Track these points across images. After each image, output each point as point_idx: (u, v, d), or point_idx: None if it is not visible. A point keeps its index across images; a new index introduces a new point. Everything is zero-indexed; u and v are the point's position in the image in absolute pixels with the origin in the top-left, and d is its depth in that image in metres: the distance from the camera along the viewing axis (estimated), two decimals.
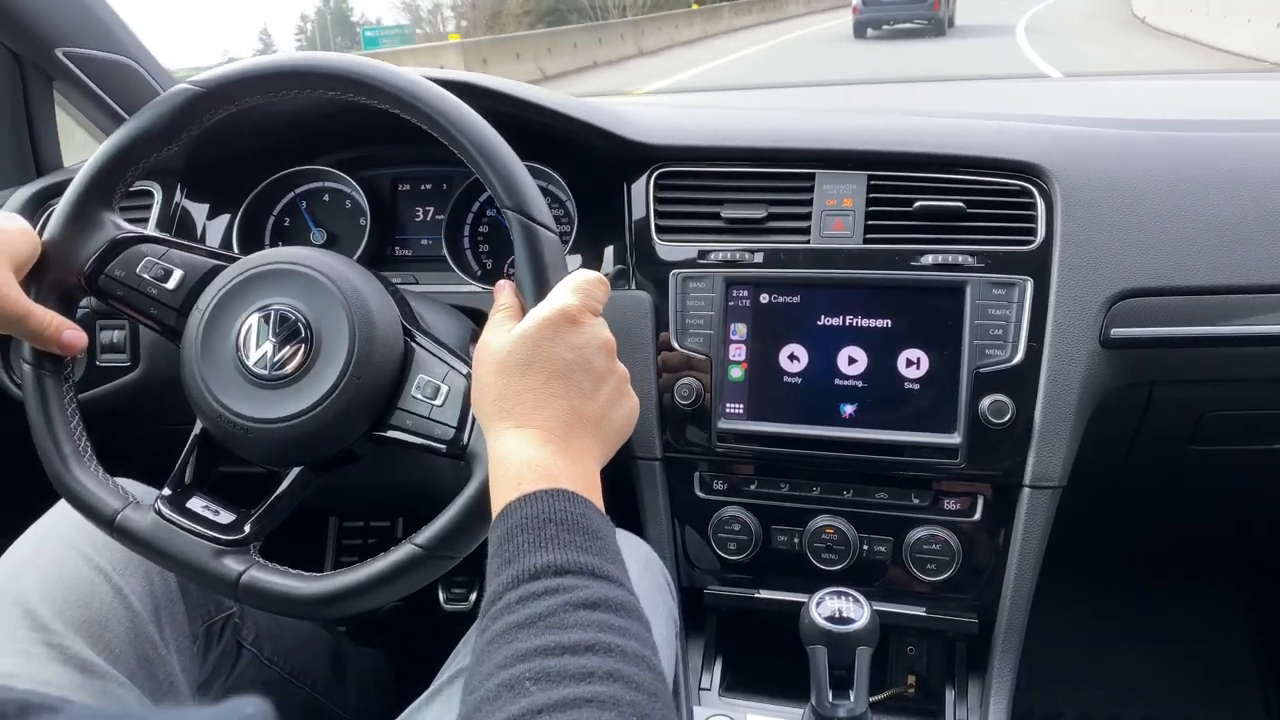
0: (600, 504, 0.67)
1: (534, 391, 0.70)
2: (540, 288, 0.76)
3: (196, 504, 0.84)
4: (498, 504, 0.66)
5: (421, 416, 0.79)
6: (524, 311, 0.75)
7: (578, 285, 0.75)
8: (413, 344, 0.82)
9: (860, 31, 20.36)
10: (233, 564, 0.80)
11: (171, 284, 0.86)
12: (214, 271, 0.86)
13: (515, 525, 0.63)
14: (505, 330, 0.73)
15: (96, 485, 0.84)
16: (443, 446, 0.78)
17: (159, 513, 0.82)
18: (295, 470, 0.83)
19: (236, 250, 1.26)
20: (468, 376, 0.79)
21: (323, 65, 0.81)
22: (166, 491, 0.84)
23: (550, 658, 0.54)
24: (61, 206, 0.85)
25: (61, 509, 0.94)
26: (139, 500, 0.84)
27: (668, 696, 0.57)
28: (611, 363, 0.75)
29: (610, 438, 0.74)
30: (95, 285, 0.86)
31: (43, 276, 0.84)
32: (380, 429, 0.81)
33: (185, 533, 0.81)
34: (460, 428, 0.78)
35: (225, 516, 0.83)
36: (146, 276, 0.86)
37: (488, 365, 0.72)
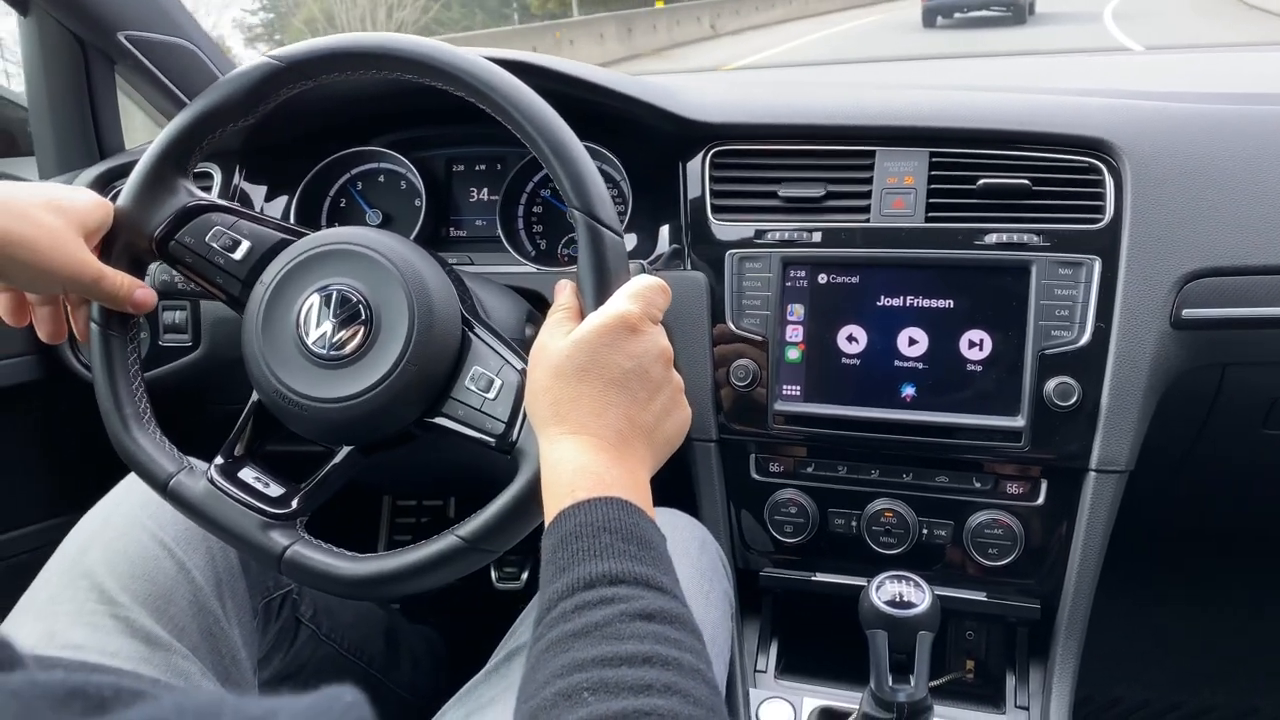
0: (653, 514, 0.67)
1: (590, 399, 0.69)
2: (601, 291, 0.75)
3: (248, 474, 0.85)
4: (551, 510, 0.66)
5: (473, 408, 0.79)
6: (583, 314, 0.75)
7: (638, 291, 0.74)
8: (470, 334, 0.82)
9: (930, 20, 18.43)
10: (279, 538, 0.81)
11: (239, 255, 0.87)
12: (281, 245, 0.86)
13: (569, 533, 0.62)
14: (563, 333, 0.73)
15: (153, 448, 0.85)
16: (492, 440, 0.78)
17: (211, 480, 0.83)
18: (345, 449, 0.83)
19: None
20: (522, 372, 0.79)
21: (400, 48, 0.81)
22: (219, 460, 0.85)
23: (608, 668, 0.54)
24: (138, 170, 0.86)
25: (127, 485, 0.96)
26: (193, 466, 0.85)
27: (724, 711, 0.57)
28: (668, 372, 0.74)
29: (662, 448, 0.74)
30: (165, 250, 0.87)
31: (115, 240, 0.85)
32: (431, 415, 0.81)
33: (235, 502, 0.82)
34: (510, 423, 0.78)
35: (275, 489, 0.84)
36: (215, 245, 0.86)
37: (544, 368, 0.72)
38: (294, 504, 0.83)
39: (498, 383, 0.79)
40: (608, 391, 0.70)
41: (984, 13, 18.30)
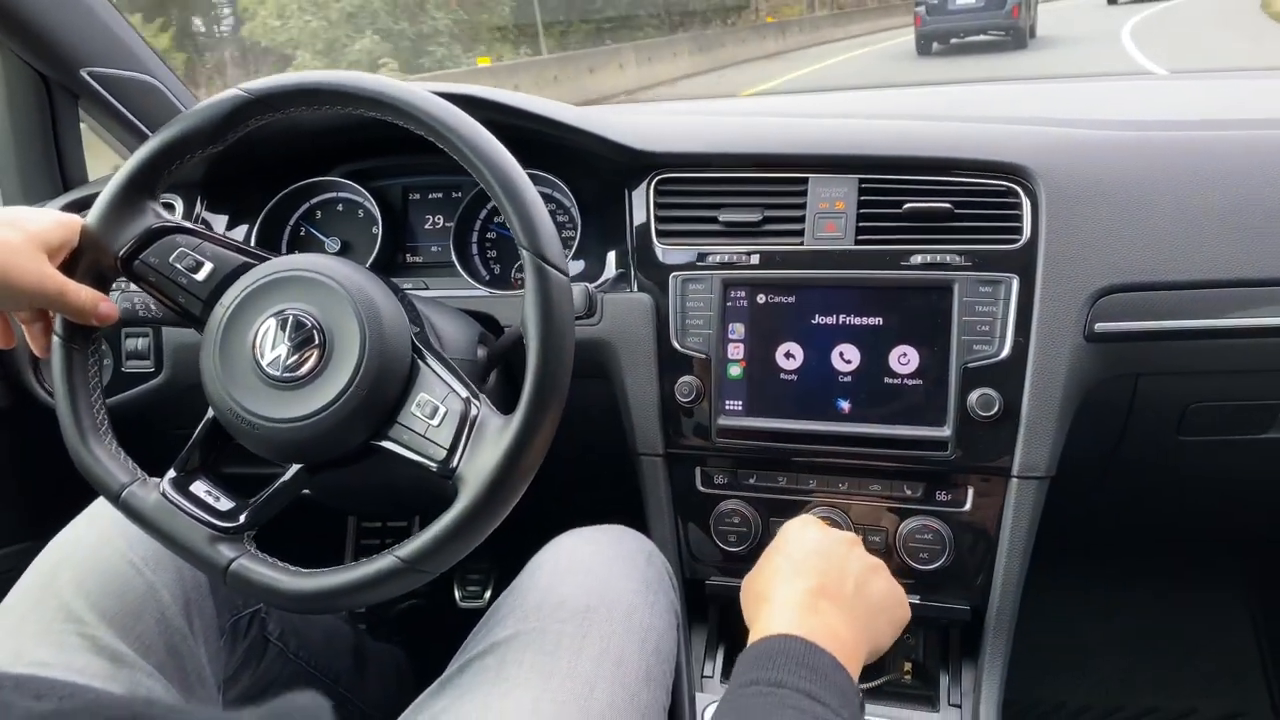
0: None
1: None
2: (546, 325, 0.80)
3: (199, 488, 0.88)
4: (791, 625, 0.82)
5: (417, 433, 0.83)
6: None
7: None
8: (419, 362, 0.86)
9: (924, 47, 17.38)
10: (225, 550, 0.84)
11: (201, 275, 0.90)
12: (243, 268, 0.90)
13: (802, 651, 0.78)
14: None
15: (109, 458, 0.88)
16: (433, 465, 0.82)
17: (163, 492, 0.86)
18: (294, 467, 0.86)
19: None
20: (466, 400, 0.83)
21: (365, 88, 0.85)
22: (172, 473, 0.88)
23: None
24: (108, 190, 0.89)
25: (97, 507, 0.99)
26: (146, 479, 0.88)
27: None
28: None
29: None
30: (130, 268, 0.90)
31: (80, 256, 0.89)
32: (377, 439, 0.84)
33: (184, 514, 0.85)
34: (452, 450, 0.81)
35: (225, 503, 0.87)
36: (179, 266, 0.90)
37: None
38: (242, 518, 0.86)
39: (442, 410, 0.83)
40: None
41: (981, 38, 17.29)
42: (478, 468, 0.80)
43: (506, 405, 0.84)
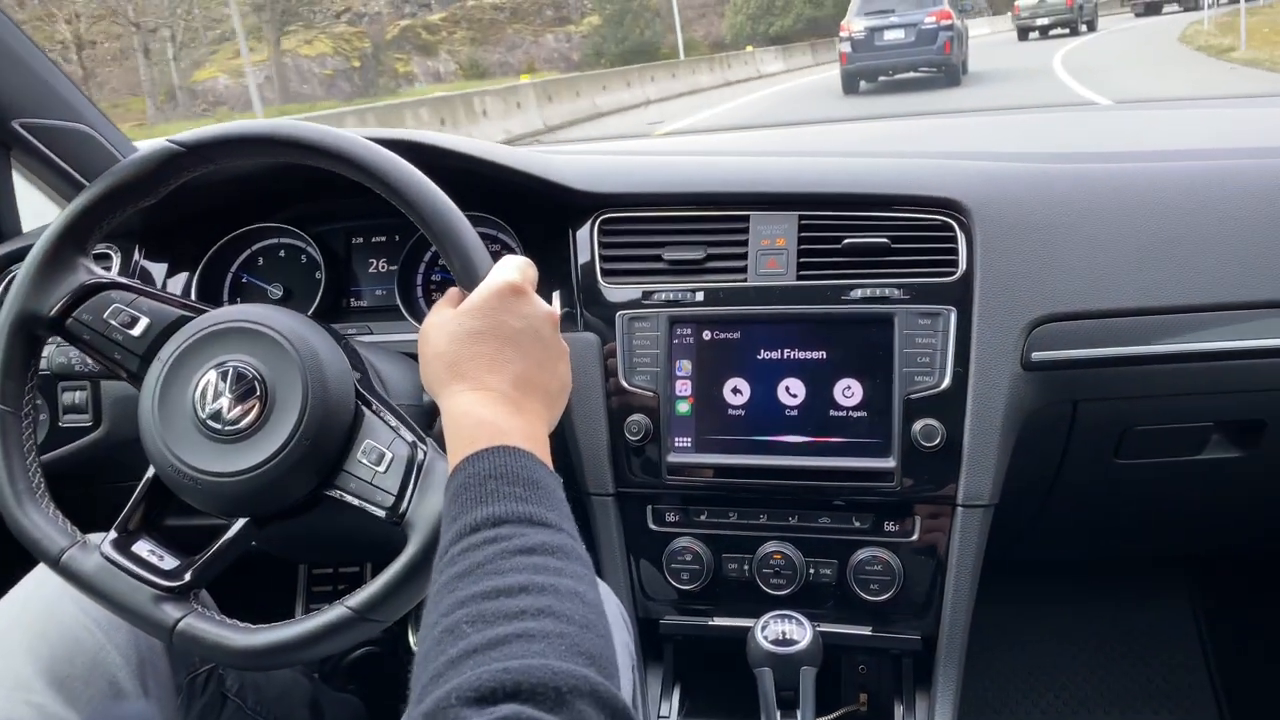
0: (548, 460, 0.72)
1: (488, 357, 0.76)
2: None
3: (142, 548, 0.86)
4: (453, 462, 0.72)
5: (364, 480, 0.82)
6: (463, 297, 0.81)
7: (518, 264, 0.83)
8: (363, 409, 0.85)
9: (851, 85, 16.78)
10: (171, 610, 0.82)
11: (137, 331, 0.88)
12: (180, 321, 0.88)
13: (462, 484, 0.68)
14: (452, 306, 0.80)
15: (46, 523, 0.86)
16: (382, 512, 0.81)
17: (104, 554, 0.84)
18: (240, 521, 0.85)
19: None
20: (412, 444, 0.82)
21: (301, 136, 0.84)
22: (113, 534, 0.86)
23: (486, 601, 0.59)
24: (36, 249, 0.87)
25: (45, 567, 0.96)
26: (87, 541, 0.86)
27: (602, 627, 0.61)
28: (556, 335, 0.82)
29: (555, 404, 0.81)
30: (63, 327, 0.88)
31: (11, 314, 0.87)
32: (324, 488, 0.83)
33: (127, 576, 0.83)
34: (400, 495, 0.80)
35: (169, 562, 0.85)
36: (113, 323, 0.88)
37: (439, 334, 0.78)
38: (187, 576, 0.84)
39: (388, 456, 0.82)
40: (504, 349, 0.77)
41: (911, 75, 16.70)
42: (426, 512, 0.79)
43: None
